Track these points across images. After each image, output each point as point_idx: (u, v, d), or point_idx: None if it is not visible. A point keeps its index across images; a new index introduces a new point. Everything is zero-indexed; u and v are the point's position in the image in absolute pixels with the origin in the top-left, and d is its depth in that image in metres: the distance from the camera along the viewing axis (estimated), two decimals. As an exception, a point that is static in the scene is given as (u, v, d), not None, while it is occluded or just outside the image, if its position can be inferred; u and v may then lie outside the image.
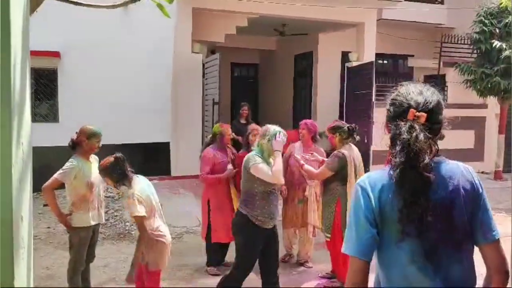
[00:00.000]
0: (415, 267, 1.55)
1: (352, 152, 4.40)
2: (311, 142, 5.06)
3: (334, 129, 4.52)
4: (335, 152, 4.41)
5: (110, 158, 3.52)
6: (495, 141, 10.35)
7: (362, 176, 1.71)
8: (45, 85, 8.26)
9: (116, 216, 6.87)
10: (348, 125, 4.54)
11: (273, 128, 3.76)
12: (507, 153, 10.09)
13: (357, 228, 1.58)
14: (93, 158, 4.13)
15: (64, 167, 3.84)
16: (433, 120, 1.62)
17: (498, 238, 1.68)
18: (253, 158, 3.65)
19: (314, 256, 5.18)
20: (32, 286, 1.36)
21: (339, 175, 4.33)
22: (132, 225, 6.59)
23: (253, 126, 4.74)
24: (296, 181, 4.85)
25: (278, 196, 3.79)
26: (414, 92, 1.70)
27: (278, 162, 3.57)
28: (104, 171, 3.52)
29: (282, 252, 4.94)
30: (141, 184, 3.55)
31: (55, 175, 3.82)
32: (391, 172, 1.55)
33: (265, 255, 3.74)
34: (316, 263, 5.12)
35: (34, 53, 7.53)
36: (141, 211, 3.36)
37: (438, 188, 1.56)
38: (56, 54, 7.94)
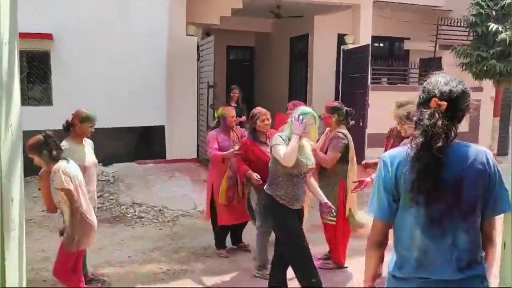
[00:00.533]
0: (420, 230, 1.84)
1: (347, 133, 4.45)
2: None
3: (334, 109, 4.48)
4: (336, 134, 4.40)
5: (39, 136, 3.43)
6: (489, 124, 10.37)
7: (384, 153, 2.01)
8: (38, 68, 8.17)
9: (111, 199, 6.88)
10: (346, 108, 4.54)
11: (301, 109, 3.62)
12: (502, 136, 10.11)
13: (378, 196, 1.93)
14: (87, 142, 4.11)
15: None
16: (456, 108, 1.86)
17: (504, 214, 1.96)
18: (275, 138, 3.58)
19: (309, 239, 5.19)
20: (24, 267, 1.35)
21: (341, 156, 4.35)
22: (128, 208, 6.61)
23: (260, 109, 4.61)
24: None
25: (304, 179, 3.65)
26: (441, 82, 1.91)
27: (290, 145, 3.42)
28: (32, 148, 3.37)
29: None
30: (70, 165, 3.45)
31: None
32: (409, 151, 1.83)
33: None
34: (312, 246, 5.12)
35: (26, 36, 7.43)
36: (69, 184, 3.30)
37: (450, 166, 1.81)
38: (48, 36, 7.83)
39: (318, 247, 5.05)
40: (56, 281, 4.23)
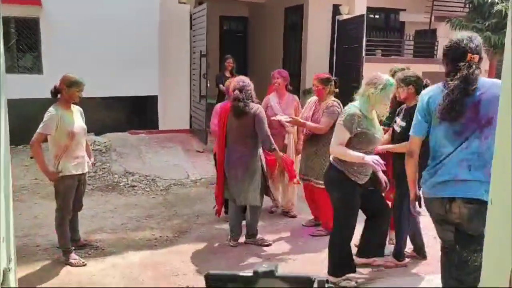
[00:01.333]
0: (447, 140, 2.58)
1: None
2: (285, 90, 5.14)
3: (327, 81, 4.50)
4: (332, 103, 4.43)
5: None
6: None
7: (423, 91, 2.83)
8: (27, 35, 8.00)
9: (104, 168, 6.87)
10: (333, 78, 4.61)
11: (386, 77, 3.39)
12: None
13: (416, 120, 2.74)
14: (76, 108, 4.06)
15: (44, 119, 3.79)
16: (480, 58, 2.57)
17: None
18: (347, 112, 3.41)
19: (301, 207, 5.26)
20: (12, 237, 1.34)
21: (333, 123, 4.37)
22: (120, 177, 6.62)
23: (235, 78, 4.58)
24: (275, 131, 4.74)
25: (373, 152, 3.50)
26: (467, 39, 2.57)
27: (351, 154, 3.33)
28: None
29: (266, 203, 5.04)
30: None
31: (38, 129, 3.79)
32: (446, 86, 2.56)
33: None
34: (304, 215, 5.19)
35: (12, 1, 7.26)
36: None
37: (472, 94, 2.50)
38: (36, 2, 7.64)
39: (304, 214, 5.13)
40: (48, 246, 4.29)
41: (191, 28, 8.89)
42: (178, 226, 4.96)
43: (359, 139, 3.38)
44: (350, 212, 3.55)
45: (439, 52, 11.09)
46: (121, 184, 6.41)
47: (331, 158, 3.60)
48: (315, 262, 4.06)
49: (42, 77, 7.85)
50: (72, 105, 3.99)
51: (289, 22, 12.16)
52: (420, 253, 4.11)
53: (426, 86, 3.58)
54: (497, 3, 8.96)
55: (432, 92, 2.66)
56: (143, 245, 4.47)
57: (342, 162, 3.46)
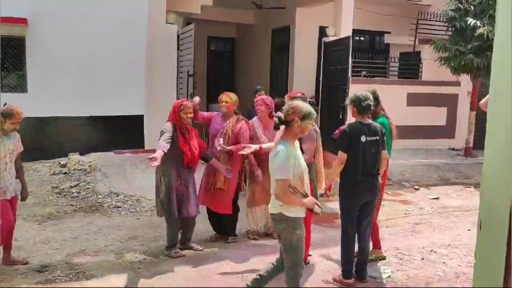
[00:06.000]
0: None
1: None
2: (269, 117, 4.97)
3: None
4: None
5: None
6: (466, 118, 10.55)
7: None
8: (12, 55, 7.91)
9: (87, 189, 6.75)
10: (308, 98, 4.58)
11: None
12: (477, 130, 10.30)
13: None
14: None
15: None
16: None
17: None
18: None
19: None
20: None
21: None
22: (105, 197, 6.50)
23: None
24: (263, 156, 4.72)
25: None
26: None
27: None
28: None
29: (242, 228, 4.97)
30: None
31: None
32: None
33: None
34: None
35: (-1, 19, 7.19)
36: None
37: None
38: (23, 21, 7.58)
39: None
40: (29, 270, 4.15)
41: (178, 48, 8.90)
42: (163, 248, 4.84)
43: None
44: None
45: (424, 74, 11.30)
46: (105, 204, 6.29)
47: None
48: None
49: (27, 96, 7.76)
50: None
51: (276, 43, 12.30)
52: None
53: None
54: (479, 27, 9.17)
55: None
56: (127, 267, 4.34)
57: None
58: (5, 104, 4.13)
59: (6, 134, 4.08)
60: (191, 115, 4.59)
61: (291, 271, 3.22)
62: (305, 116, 3.12)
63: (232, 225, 5.14)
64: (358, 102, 3.93)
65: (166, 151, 4.17)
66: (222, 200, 4.87)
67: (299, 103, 3.24)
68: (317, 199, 4.86)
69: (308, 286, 3.98)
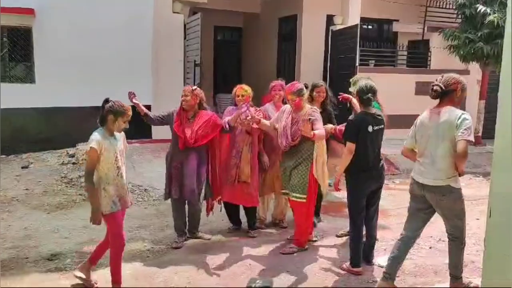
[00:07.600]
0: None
1: None
2: (282, 102, 5.02)
3: (302, 91, 4.42)
4: (309, 110, 4.39)
5: None
6: (475, 107, 10.45)
7: None
8: (20, 45, 7.94)
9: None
10: (303, 84, 4.62)
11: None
12: (487, 119, 10.20)
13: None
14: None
15: None
16: None
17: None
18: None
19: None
20: None
21: None
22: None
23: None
24: (276, 145, 4.72)
25: None
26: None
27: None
28: None
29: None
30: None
31: None
32: None
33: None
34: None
35: (6, 10, 7.22)
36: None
37: None
38: (30, 11, 7.59)
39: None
40: (39, 258, 4.20)
41: (185, 38, 8.88)
42: (170, 237, 4.87)
43: None
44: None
45: (432, 62, 11.18)
46: (114, 194, 6.33)
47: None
48: (311, 274, 4.01)
49: (35, 86, 7.80)
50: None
51: (283, 32, 12.20)
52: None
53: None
54: (489, 14, 9.03)
55: None
56: (135, 256, 4.38)
57: None
58: (107, 100, 3.69)
59: (112, 135, 3.67)
60: (187, 98, 4.62)
61: (462, 238, 3.53)
62: (464, 87, 3.48)
63: (254, 217, 5.09)
64: (360, 94, 3.96)
65: (147, 113, 4.85)
66: (248, 193, 4.77)
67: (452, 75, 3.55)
68: (321, 198, 4.94)
69: (317, 275, 3.99)
